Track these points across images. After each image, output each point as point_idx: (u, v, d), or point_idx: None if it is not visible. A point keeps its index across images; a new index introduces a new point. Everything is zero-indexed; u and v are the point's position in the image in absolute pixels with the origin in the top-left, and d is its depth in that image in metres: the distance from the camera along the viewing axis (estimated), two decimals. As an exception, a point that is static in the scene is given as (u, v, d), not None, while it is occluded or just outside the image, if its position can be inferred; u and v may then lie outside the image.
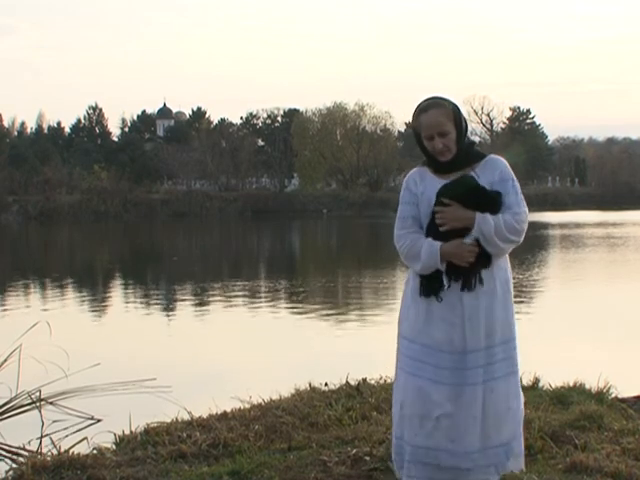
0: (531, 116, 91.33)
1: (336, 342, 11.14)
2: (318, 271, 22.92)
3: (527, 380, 6.38)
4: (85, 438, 5.86)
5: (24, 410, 6.57)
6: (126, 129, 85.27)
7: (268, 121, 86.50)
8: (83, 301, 16.42)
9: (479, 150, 3.81)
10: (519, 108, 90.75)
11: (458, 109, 3.71)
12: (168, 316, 14.36)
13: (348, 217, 58.23)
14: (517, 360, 3.70)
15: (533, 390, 6.17)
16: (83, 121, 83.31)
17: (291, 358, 10.04)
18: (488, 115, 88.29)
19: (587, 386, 6.21)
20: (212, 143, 73.18)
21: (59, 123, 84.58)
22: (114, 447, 5.21)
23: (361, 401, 5.84)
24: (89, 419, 6.81)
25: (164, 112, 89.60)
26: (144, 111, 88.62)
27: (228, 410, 5.84)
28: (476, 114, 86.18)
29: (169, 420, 5.62)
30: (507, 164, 3.74)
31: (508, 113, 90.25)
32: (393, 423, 3.76)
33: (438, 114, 3.63)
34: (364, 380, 6.50)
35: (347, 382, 6.47)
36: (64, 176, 63.09)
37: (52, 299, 16.24)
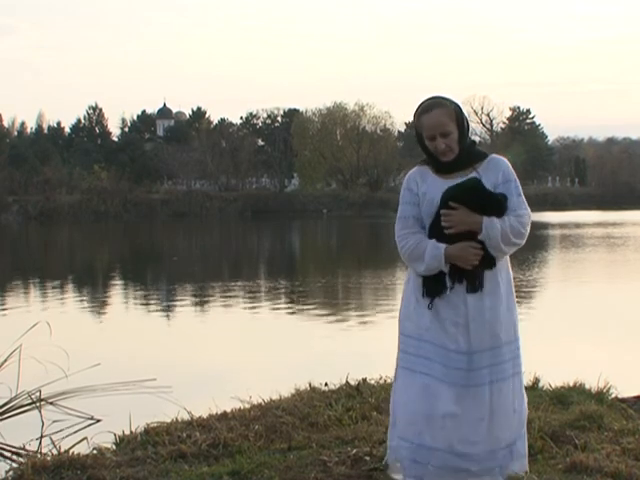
0: (531, 116, 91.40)
1: (336, 342, 11.13)
2: (318, 271, 22.91)
3: (527, 380, 6.37)
4: (85, 438, 5.86)
5: (24, 410, 6.57)
6: (126, 129, 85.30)
7: (268, 121, 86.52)
8: (83, 301, 16.42)
9: (480, 150, 3.79)
10: (519, 108, 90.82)
11: (460, 109, 3.69)
12: (168, 316, 14.36)
13: (348, 217, 58.23)
14: (521, 360, 3.70)
15: (533, 390, 6.17)
16: (83, 121, 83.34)
17: (291, 358, 10.03)
18: (488, 115, 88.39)
19: (587, 386, 6.21)
20: (212, 143, 73.20)
21: (59, 123, 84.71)
22: (114, 447, 5.21)
23: (361, 401, 5.84)
24: (89, 419, 6.81)
25: (164, 112, 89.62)
26: (144, 111, 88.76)
27: (228, 410, 5.83)
28: (476, 114, 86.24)
29: (169, 420, 5.62)
30: (509, 164, 3.72)
31: (508, 113, 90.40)
32: (392, 423, 3.70)
33: (440, 114, 3.61)
34: (364, 380, 6.50)
35: (347, 382, 6.47)
36: (64, 176, 63.12)
37: (52, 299, 16.24)
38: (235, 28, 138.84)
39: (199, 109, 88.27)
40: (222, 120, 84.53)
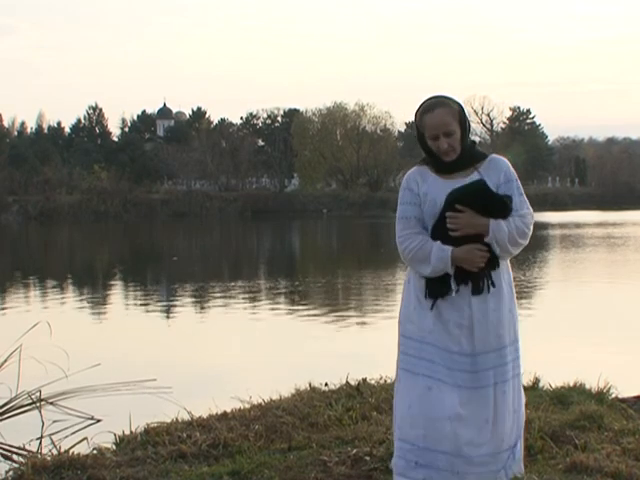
0: (531, 116, 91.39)
1: (336, 342, 11.13)
2: (318, 271, 22.91)
3: (527, 380, 6.37)
4: (85, 438, 5.86)
5: (24, 410, 6.57)
6: (126, 129, 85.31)
7: (268, 121, 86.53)
8: (83, 301, 16.42)
9: (480, 150, 3.78)
10: (519, 108, 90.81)
11: (463, 109, 3.66)
12: (168, 316, 14.36)
13: (348, 217, 58.23)
14: (520, 362, 3.68)
15: (533, 390, 6.17)
16: (83, 121, 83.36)
17: (291, 358, 10.03)
18: (488, 115, 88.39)
19: (587, 386, 6.21)
20: (212, 143, 73.22)
21: (59, 123, 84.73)
22: (114, 447, 5.21)
23: (361, 401, 5.84)
24: (89, 419, 6.81)
25: (164, 112, 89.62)
26: (144, 111, 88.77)
27: (228, 410, 5.83)
28: (476, 114, 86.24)
29: (169, 420, 5.62)
30: (510, 164, 3.71)
31: (508, 113, 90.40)
32: (396, 426, 3.64)
33: (444, 113, 3.57)
34: (364, 380, 6.50)
35: (347, 382, 6.46)
36: (64, 176, 63.15)
37: (52, 299, 16.24)
38: (235, 28, 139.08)
39: (199, 109, 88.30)
40: (222, 120, 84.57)
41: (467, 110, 3.73)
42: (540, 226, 37.59)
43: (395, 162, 72.10)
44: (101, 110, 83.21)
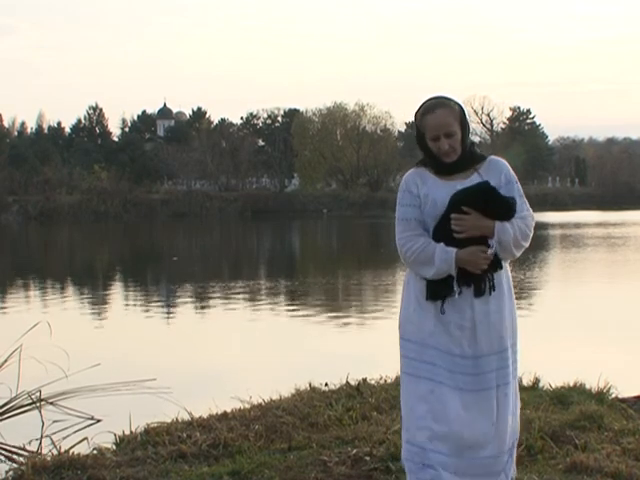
0: (531, 116, 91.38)
1: (336, 342, 11.13)
2: (318, 271, 22.90)
3: (527, 380, 6.38)
4: (85, 438, 5.87)
5: (24, 410, 6.57)
6: (126, 129, 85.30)
7: (268, 121, 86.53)
8: (83, 301, 16.43)
9: (478, 151, 3.77)
10: (519, 108, 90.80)
11: (463, 110, 3.65)
12: (168, 316, 14.36)
13: (348, 217, 58.22)
14: (518, 365, 3.68)
15: (533, 390, 6.17)
16: (83, 121, 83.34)
17: (291, 358, 10.04)
18: (488, 115, 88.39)
19: (587, 386, 6.21)
20: (212, 143, 73.21)
21: (59, 123, 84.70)
22: (114, 447, 5.21)
23: (361, 401, 5.84)
24: (89, 419, 6.81)
25: (164, 112, 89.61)
26: (144, 111, 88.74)
27: (228, 410, 5.84)
28: (476, 114, 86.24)
29: (169, 420, 5.62)
30: (509, 165, 3.71)
31: (508, 113, 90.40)
32: (404, 428, 3.63)
33: (446, 114, 3.55)
34: (364, 380, 6.50)
35: (347, 382, 6.47)
36: (64, 176, 63.14)
37: (52, 299, 16.24)
38: (235, 28, 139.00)
39: (199, 109, 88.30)
40: (222, 120, 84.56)
41: (467, 110, 3.72)
42: (540, 226, 37.59)
43: (395, 162, 72.06)
44: (101, 110, 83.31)
